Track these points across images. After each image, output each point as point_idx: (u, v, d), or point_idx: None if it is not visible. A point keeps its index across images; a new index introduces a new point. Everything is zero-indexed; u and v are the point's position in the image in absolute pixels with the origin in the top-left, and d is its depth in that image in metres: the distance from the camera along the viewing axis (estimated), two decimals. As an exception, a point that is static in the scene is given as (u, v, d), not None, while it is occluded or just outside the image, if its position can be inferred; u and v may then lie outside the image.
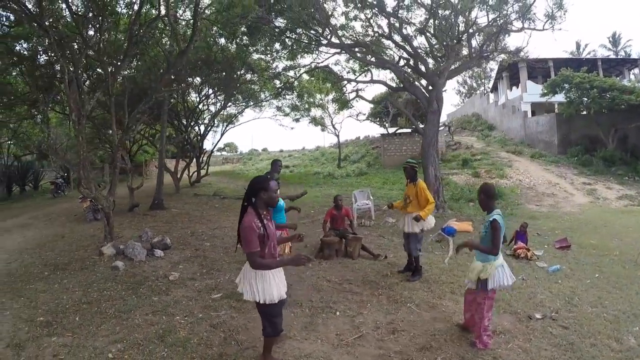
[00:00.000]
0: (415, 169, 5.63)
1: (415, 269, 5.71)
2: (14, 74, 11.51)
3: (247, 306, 4.74)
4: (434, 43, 11.13)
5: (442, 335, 3.98)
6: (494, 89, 31.14)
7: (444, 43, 10.70)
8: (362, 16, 11.37)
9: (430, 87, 10.64)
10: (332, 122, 23.96)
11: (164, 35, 12.01)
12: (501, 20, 9.83)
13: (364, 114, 23.83)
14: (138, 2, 7.72)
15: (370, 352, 3.73)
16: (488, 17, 10.18)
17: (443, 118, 38.01)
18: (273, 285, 3.07)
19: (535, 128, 21.07)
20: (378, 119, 24.47)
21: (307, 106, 21.24)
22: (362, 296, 5.03)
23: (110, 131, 10.48)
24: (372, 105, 21.59)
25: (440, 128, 20.37)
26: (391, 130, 22.69)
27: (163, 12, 8.36)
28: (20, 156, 21.01)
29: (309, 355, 3.65)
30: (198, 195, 15.28)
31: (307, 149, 35.83)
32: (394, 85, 12.28)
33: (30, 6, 7.15)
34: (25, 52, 8.98)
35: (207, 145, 52.25)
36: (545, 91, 18.05)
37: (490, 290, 3.54)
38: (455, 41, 10.37)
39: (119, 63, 8.54)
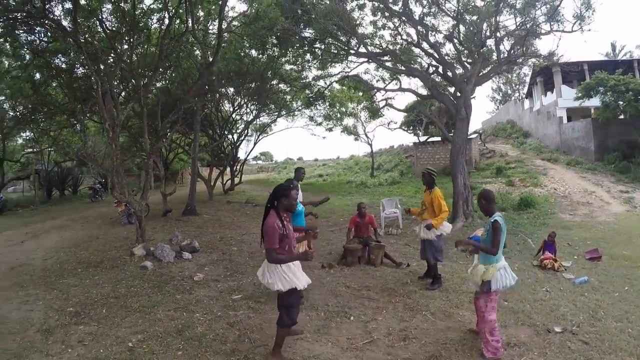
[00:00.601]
0: (432, 176, 5.70)
1: (434, 277, 5.68)
2: (53, 84, 12.37)
3: (264, 307, 4.94)
4: (461, 49, 11.09)
5: (454, 345, 3.92)
6: (529, 94, 30.15)
7: (471, 49, 10.64)
8: (390, 24, 11.54)
9: (458, 94, 10.59)
10: (364, 131, 24.26)
11: (195, 48, 12.67)
12: (529, 24, 9.67)
13: (395, 122, 23.79)
14: (167, 18, 8.21)
15: (379, 357, 3.76)
16: (516, 21, 10.06)
17: (477, 126, 37.47)
18: (294, 274, 3.51)
19: (571, 134, 20.33)
20: (411, 128, 24.39)
21: (339, 115, 21.53)
22: (379, 303, 5.05)
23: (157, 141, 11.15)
24: (404, 114, 21.59)
25: (473, 136, 19.95)
26: (424, 138, 22.54)
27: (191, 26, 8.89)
28: (60, 162, 22.49)
29: (318, 357, 3.74)
30: (230, 203, 15.79)
31: (341, 158, 36.37)
32: (422, 93, 12.29)
33: (65, 23, 7.82)
34: (64, 65, 9.69)
35: (242, 154, 53.54)
36: (579, 95, 17.30)
37: (492, 292, 3.62)
38: (480, 46, 10.28)
39: (150, 75, 9.07)
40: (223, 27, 13.23)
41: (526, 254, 7.32)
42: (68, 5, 7.24)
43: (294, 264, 3.61)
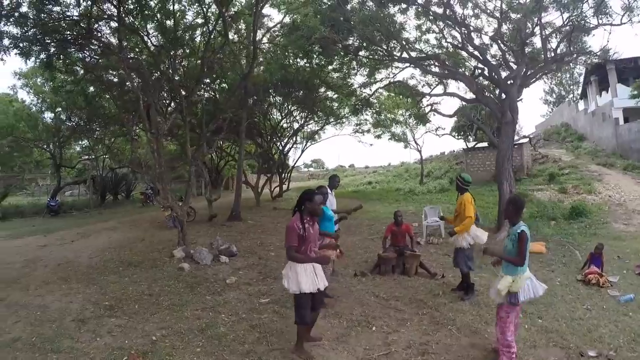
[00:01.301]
0: (458, 181, 5.64)
1: (467, 287, 5.45)
2: (107, 96, 13.37)
3: (289, 312, 4.93)
4: (506, 50, 10.63)
5: (473, 364, 3.69)
6: (583, 95, 28.27)
7: (513, 48, 10.17)
8: (435, 27, 11.31)
9: (503, 97, 10.16)
10: (414, 137, 24.15)
11: (238, 59, 13.26)
12: (576, 19, 9.06)
13: (443, 128, 23.30)
14: (207, 32, 8.63)
15: (392, 371, 3.62)
16: (562, 17, 9.48)
17: (531, 130, 35.65)
18: (306, 278, 3.65)
19: (628, 136, 18.63)
20: (462, 133, 23.74)
21: (388, 122, 21.43)
22: (404, 314, 4.90)
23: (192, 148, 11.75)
24: (455, 119, 21.15)
25: (523, 141, 18.97)
26: (474, 144, 21.84)
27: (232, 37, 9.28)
28: (115, 168, 24.19)
29: (330, 364, 3.70)
30: (276, 209, 16.13)
31: (392, 165, 36.53)
32: (468, 97, 11.92)
33: (113, 40, 8.48)
34: (115, 79, 10.45)
35: (291, 161, 54.98)
36: (635, 93, 15.92)
37: (519, 305, 3.58)
38: (522, 45, 9.78)
39: (192, 87, 9.58)
40: (264, 38, 13.86)
41: (571, 267, 6.85)
42: (114, 24, 7.83)
43: (313, 266, 3.76)
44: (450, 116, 13.40)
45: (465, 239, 5.41)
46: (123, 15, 7.63)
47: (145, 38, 8.83)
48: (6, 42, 6.97)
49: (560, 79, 32.68)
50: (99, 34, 8.31)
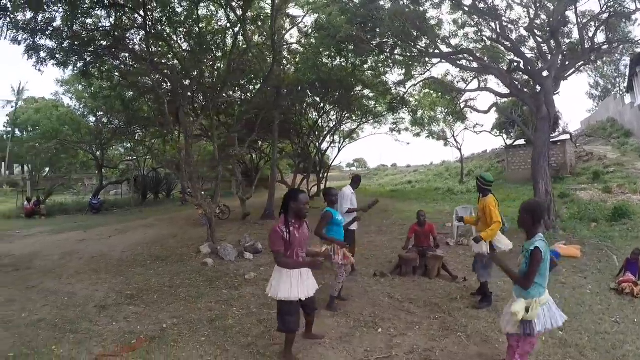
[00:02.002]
0: (479, 183, 5.33)
1: (484, 294, 5.22)
2: (144, 100, 14.19)
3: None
4: (540, 41, 10.17)
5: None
6: (630, 88, 25.84)
7: (544, 38, 9.69)
8: (471, 21, 11.03)
9: (537, 91, 9.74)
10: (453, 135, 23.89)
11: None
12: (613, 4, 8.46)
13: (482, 125, 22.65)
14: (232, 36, 8.96)
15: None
16: (600, 2, 8.90)
17: (576, 125, 33.55)
18: (287, 285, 3.53)
19: None
20: (504, 130, 23.01)
21: (426, 120, 21.20)
22: (415, 317, 4.81)
23: (232, 149, 12.30)
24: (496, 115, 20.58)
25: (563, 137, 18.04)
26: (513, 142, 21.10)
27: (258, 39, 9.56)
28: (156, 168, 25.46)
29: (326, 363, 3.73)
30: (312, 208, 16.30)
31: (434, 164, 36.45)
32: (503, 92, 11.52)
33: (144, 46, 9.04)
34: (151, 83, 11.06)
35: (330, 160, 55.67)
36: None
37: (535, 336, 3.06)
38: (554, 34, 9.29)
39: (218, 90, 10.00)
40: (292, 38, 14.18)
41: (606, 273, 6.40)
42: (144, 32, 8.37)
43: (300, 272, 3.63)
44: (485, 112, 13.03)
45: (487, 245, 5.14)
46: (150, 23, 8.17)
47: (173, 44, 9.35)
48: (43, 54, 7.71)
49: (602, 70, 30.49)
50: (131, 42, 8.93)
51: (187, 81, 9.37)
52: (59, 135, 18.86)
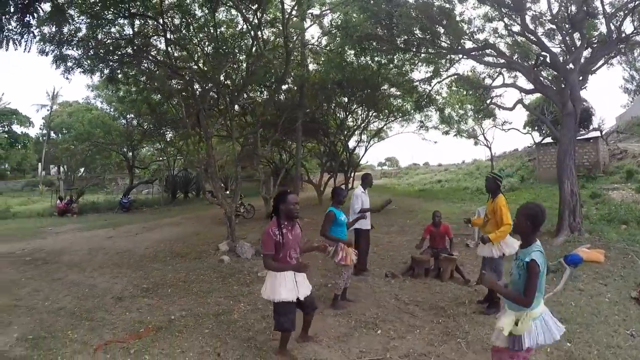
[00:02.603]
0: (498, 182, 5.20)
1: (492, 300, 5.09)
2: (172, 103, 14.85)
3: None
4: (565, 34, 9.83)
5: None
6: None
7: (564, 28, 9.27)
8: (494, 14, 10.79)
9: (562, 86, 9.45)
10: (483, 133, 23.65)
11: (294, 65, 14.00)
12: None
13: (510, 123, 22.14)
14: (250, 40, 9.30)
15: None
16: None
17: (611, 122, 31.84)
18: (282, 286, 3.63)
19: None
20: (535, 127, 22.44)
21: (454, 118, 20.99)
22: (418, 320, 4.80)
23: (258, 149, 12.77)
24: (527, 112, 20.15)
25: (593, 134, 17.34)
26: (542, 139, 20.57)
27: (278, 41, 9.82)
28: (186, 168, 26.36)
29: (319, 361, 3.85)
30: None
31: (465, 163, 36.26)
32: (528, 87, 11.22)
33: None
34: (177, 86, 11.56)
35: (362, 160, 56.13)
36: None
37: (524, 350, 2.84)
38: (575, 24, 8.95)
39: (237, 92, 10.37)
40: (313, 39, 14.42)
41: (629, 281, 6.07)
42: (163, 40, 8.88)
43: (294, 273, 3.73)
44: (510, 109, 12.76)
45: (495, 248, 5.00)
46: (171, 30, 8.66)
47: (192, 49, 9.82)
48: (70, 63, 8.36)
49: (634, 63, 28.74)
50: (154, 49, 9.45)
51: (208, 85, 9.78)
52: (91, 138, 20.04)
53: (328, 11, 12.48)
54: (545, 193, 15.62)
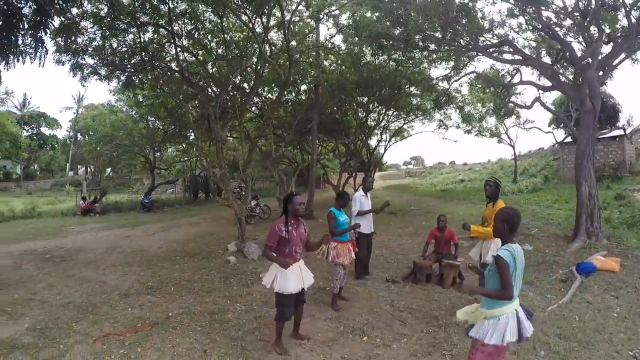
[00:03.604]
0: (499, 186, 5.30)
1: None
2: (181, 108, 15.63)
3: (305, 310, 5.06)
4: (579, 26, 9.57)
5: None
6: None
7: (577, 21, 8.96)
8: (516, 10, 10.65)
9: (580, 82, 9.15)
10: (506, 132, 23.42)
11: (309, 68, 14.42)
12: None
13: (532, 121, 21.77)
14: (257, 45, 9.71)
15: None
16: None
17: None
18: (290, 280, 4.10)
19: None
20: (561, 126, 22.03)
21: (476, 117, 20.87)
22: (407, 329, 4.86)
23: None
24: (553, 109, 19.82)
25: (616, 132, 16.85)
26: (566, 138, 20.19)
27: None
28: (213, 167, 27.13)
29: (299, 364, 4.06)
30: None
31: (491, 162, 36.08)
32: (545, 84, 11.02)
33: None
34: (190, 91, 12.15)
35: (387, 159, 56.39)
36: None
37: (480, 343, 2.99)
38: (586, 17, 8.57)
39: (246, 96, 10.80)
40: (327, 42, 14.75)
41: None
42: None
43: (300, 267, 4.27)
44: (528, 107, 12.64)
45: (489, 255, 5.00)
46: (181, 36, 9.19)
47: (200, 55, 10.33)
48: (86, 71, 9.01)
49: None
50: (168, 55, 10.02)
51: (219, 89, 10.25)
52: (114, 140, 21.09)
53: (337, 11, 12.69)
54: (568, 194, 15.19)
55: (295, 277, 4.14)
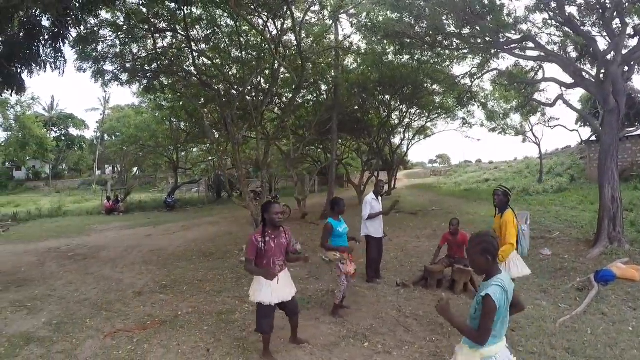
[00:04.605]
0: (508, 196, 5.05)
1: None
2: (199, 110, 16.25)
3: (302, 313, 5.19)
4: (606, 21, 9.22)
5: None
6: None
7: (598, 14, 8.61)
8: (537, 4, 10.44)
9: (602, 79, 8.69)
10: (531, 129, 23.04)
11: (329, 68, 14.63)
12: None
13: (557, 119, 21.25)
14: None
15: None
16: None
17: None
18: (264, 291, 4.03)
19: None
20: (587, 123, 21.50)
21: (500, 114, 20.62)
22: (411, 336, 4.81)
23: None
24: (580, 107, 19.34)
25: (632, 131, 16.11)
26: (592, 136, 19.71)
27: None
28: (230, 168, 27.75)
29: (296, 367, 4.12)
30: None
31: (518, 160, 35.55)
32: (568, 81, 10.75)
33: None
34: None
35: (413, 157, 56.14)
36: None
37: None
38: (604, 11, 8.16)
39: (261, 99, 11.11)
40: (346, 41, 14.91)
41: None
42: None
43: (278, 278, 4.07)
44: (551, 105, 12.40)
45: (514, 269, 4.86)
46: (197, 41, 9.55)
47: (217, 60, 10.70)
48: (107, 77, 9.48)
49: None
50: (188, 59, 10.43)
51: (236, 91, 10.59)
52: (139, 141, 21.93)
53: (353, 10, 12.79)
54: (594, 195, 14.53)
55: (269, 288, 4.02)
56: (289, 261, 4.37)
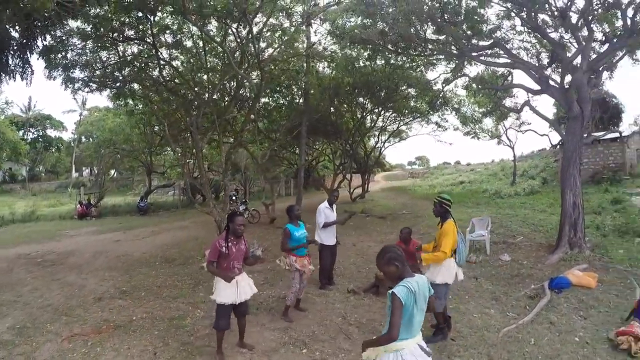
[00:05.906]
0: (444, 205, 5.09)
1: (437, 327, 5.09)
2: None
3: (252, 319, 5.70)
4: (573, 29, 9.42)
5: None
6: None
7: (560, 19, 9.08)
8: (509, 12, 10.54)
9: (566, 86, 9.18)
10: (505, 133, 23.98)
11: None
12: None
13: (529, 123, 22.26)
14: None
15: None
16: None
17: None
18: (225, 291, 4.62)
19: None
20: (562, 127, 22.58)
21: (473, 119, 21.45)
22: (350, 343, 5.06)
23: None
24: (554, 111, 20.16)
25: (611, 135, 17.19)
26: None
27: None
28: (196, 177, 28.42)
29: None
30: (346, 212, 17.26)
31: (495, 163, 37.36)
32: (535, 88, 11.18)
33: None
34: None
35: (392, 159, 57.30)
36: None
37: None
38: (565, 15, 8.67)
39: (225, 105, 11.84)
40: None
41: (615, 315, 5.52)
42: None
43: (237, 280, 4.68)
44: (518, 111, 13.11)
45: (444, 275, 4.95)
46: (167, 47, 10.15)
47: (181, 68, 11.33)
48: (77, 84, 10.05)
49: None
50: (155, 67, 11.02)
51: (202, 99, 11.21)
52: (114, 144, 22.56)
53: (321, 15, 13.32)
54: None
55: (229, 289, 4.60)
56: (247, 264, 5.04)
